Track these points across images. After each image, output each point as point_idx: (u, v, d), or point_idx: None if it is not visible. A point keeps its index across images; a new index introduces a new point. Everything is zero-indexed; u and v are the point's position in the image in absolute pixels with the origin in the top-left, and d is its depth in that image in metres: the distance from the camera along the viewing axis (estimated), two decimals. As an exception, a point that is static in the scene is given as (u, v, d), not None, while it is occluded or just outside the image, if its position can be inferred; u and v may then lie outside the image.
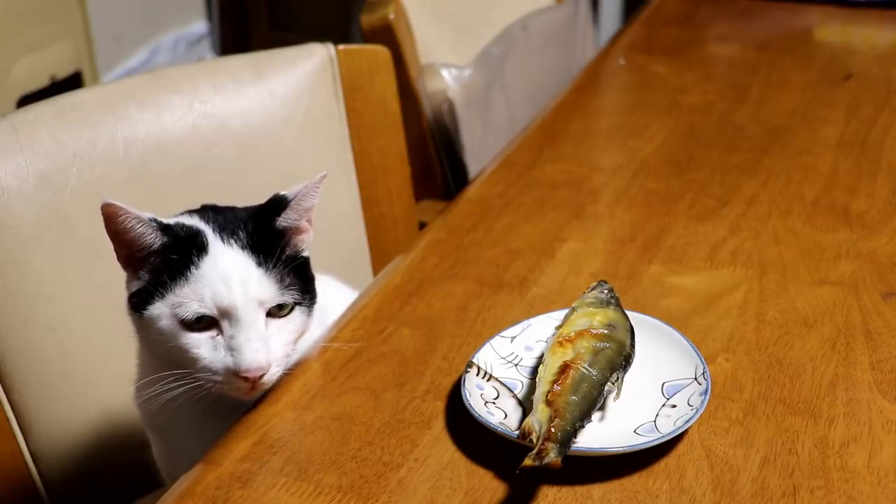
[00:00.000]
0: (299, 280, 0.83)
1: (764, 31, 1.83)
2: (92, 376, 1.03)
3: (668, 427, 0.75)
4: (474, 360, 0.84)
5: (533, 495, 0.72)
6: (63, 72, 2.55)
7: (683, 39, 1.79)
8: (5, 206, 0.96)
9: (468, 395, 0.79)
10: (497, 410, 0.79)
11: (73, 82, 2.58)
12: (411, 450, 0.77)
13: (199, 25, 3.39)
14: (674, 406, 0.78)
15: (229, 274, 0.79)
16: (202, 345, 0.79)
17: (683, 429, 0.75)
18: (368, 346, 0.90)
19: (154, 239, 0.80)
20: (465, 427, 0.78)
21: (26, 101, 2.28)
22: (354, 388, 0.85)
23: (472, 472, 0.74)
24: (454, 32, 1.68)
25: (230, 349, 0.79)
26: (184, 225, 0.82)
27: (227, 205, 0.87)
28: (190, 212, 0.86)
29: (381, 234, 1.30)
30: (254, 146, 1.15)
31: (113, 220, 0.79)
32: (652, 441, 0.74)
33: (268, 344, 0.80)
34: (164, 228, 0.80)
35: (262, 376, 0.79)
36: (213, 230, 0.82)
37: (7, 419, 0.98)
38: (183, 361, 0.80)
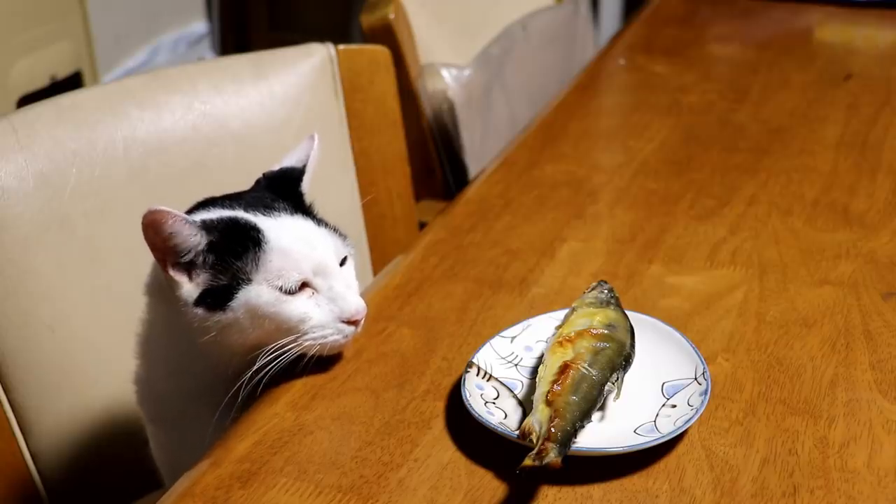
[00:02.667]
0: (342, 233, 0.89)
1: (764, 31, 1.83)
2: (92, 376, 1.03)
3: (668, 427, 0.75)
4: (474, 360, 0.84)
5: (533, 495, 0.72)
6: (63, 72, 2.55)
7: (683, 39, 1.79)
8: (5, 206, 0.96)
9: (468, 395, 0.79)
10: (497, 410, 0.79)
11: (73, 82, 2.58)
12: (411, 450, 0.77)
13: (199, 25, 3.39)
14: (674, 406, 0.78)
15: (305, 236, 0.84)
16: (307, 306, 0.82)
17: (683, 429, 0.75)
18: (368, 346, 0.90)
19: (199, 239, 0.80)
20: (465, 427, 0.78)
21: (26, 101, 2.28)
22: (354, 388, 0.85)
23: (472, 472, 0.74)
24: (454, 32, 1.68)
25: (332, 300, 0.83)
26: (219, 218, 0.83)
27: (224, 194, 0.88)
28: (202, 207, 0.86)
29: (381, 234, 1.30)
30: (254, 146, 1.15)
31: (160, 227, 0.78)
32: (652, 441, 0.74)
33: (356, 289, 0.86)
34: (208, 228, 0.81)
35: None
36: (251, 212, 0.84)
37: (7, 419, 0.98)
38: (287, 331, 0.81)
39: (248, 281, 0.80)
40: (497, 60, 1.68)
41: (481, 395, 0.80)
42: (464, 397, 0.79)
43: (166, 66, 1.20)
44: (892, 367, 0.85)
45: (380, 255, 1.28)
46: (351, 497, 0.72)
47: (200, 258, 0.81)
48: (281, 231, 0.83)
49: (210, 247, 0.80)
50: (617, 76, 1.68)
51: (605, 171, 1.27)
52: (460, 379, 0.82)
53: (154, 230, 0.78)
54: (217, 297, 0.80)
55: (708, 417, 0.79)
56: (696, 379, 0.80)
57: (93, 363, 1.03)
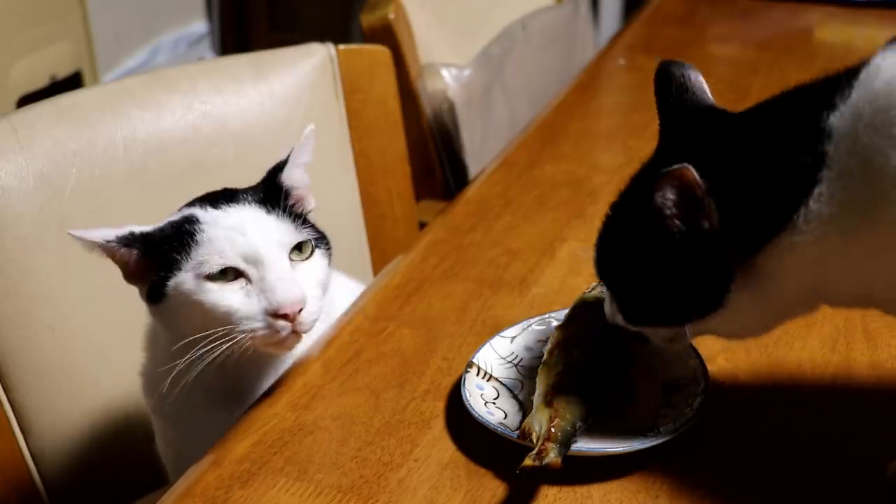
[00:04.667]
0: (314, 228, 0.86)
1: (764, 31, 1.83)
2: (92, 375, 1.03)
3: (668, 427, 0.75)
4: (474, 360, 0.84)
5: (533, 495, 0.72)
6: (63, 72, 2.55)
7: (683, 39, 1.79)
8: (5, 206, 0.96)
9: (468, 395, 0.79)
10: (497, 410, 0.79)
11: (73, 82, 2.58)
12: (411, 450, 0.77)
13: (199, 25, 3.39)
14: (673, 406, 0.78)
15: (242, 223, 0.81)
16: (234, 295, 0.79)
17: (683, 429, 0.75)
18: (368, 346, 0.90)
19: (126, 253, 0.81)
20: (465, 427, 0.78)
21: (26, 101, 2.28)
22: (354, 388, 0.85)
23: (472, 472, 0.74)
24: (454, 32, 1.68)
25: (263, 291, 0.79)
26: (171, 222, 0.83)
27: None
28: (187, 205, 0.86)
29: (381, 234, 1.30)
30: (254, 146, 1.15)
31: (86, 246, 0.81)
32: (652, 441, 0.74)
33: (297, 281, 0.80)
34: (129, 242, 0.81)
35: (300, 312, 0.79)
36: (209, 206, 0.83)
37: (7, 419, 0.98)
38: (217, 322, 0.79)
39: (179, 269, 0.80)
40: (497, 60, 1.68)
41: (481, 395, 0.80)
42: (464, 397, 0.79)
43: (166, 66, 1.20)
44: (893, 367, 0.85)
45: (380, 255, 1.28)
46: (351, 497, 0.72)
47: (145, 264, 0.82)
48: (219, 221, 0.81)
49: (143, 255, 0.81)
50: (617, 76, 1.68)
51: (605, 171, 1.27)
52: (460, 379, 0.82)
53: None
54: (155, 290, 0.81)
55: (708, 417, 0.78)
56: (695, 379, 0.80)
57: (93, 363, 1.03)
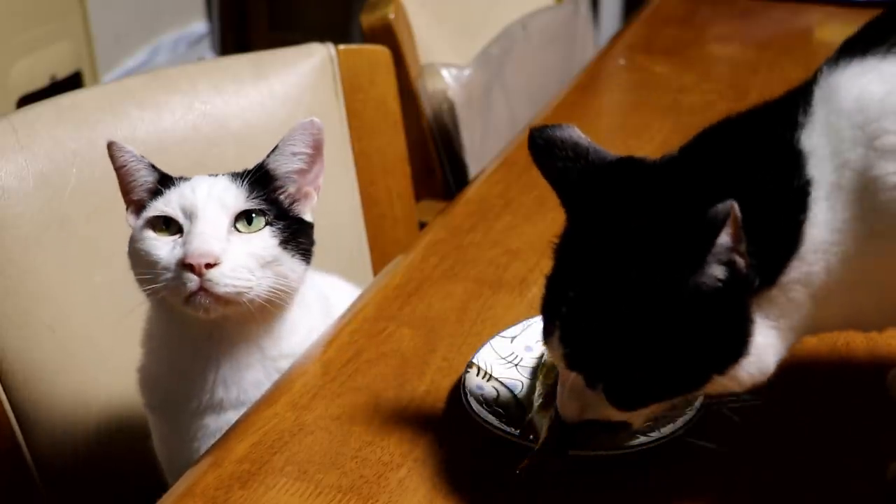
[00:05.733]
0: (278, 208, 0.85)
1: (764, 31, 1.82)
2: (92, 375, 1.03)
3: (667, 427, 0.75)
4: (474, 360, 0.84)
5: (533, 495, 0.72)
6: (63, 72, 2.55)
7: (683, 39, 1.78)
8: (5, 206, 0.96)
9: (468, 395, 0.79)
10: (497, 410, 0.79)
11: (73, 82, 2.58)
12: (411, 450, 0.77)
13: (199, 25, 3.39)
14: (673, 406, 0.78)
15: (198, 182, 0.84)
16: (163, 247, 0.81)
17: (683, 429, 0.75)
18: (368, 346, 0.90)
19: (148, 175, 0.85)
20: (465, 427, 0.78)
21: (26, 101, 2.28)
22: (354, 388, 0.85)
23: (472, 472, 0.74)
24: (454, 32, 1.68)
25: (183, 244, 0.80)
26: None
27: None
28: None
29: (381, 234, 1.30)
30: (254, 146, 1.14)
31: (115, 158, 0.85)
32: (652, 441, 0.73)
33: (224, 243, 0.80)
34: (153, 167, 0.86)
35: (209, 268, 0.78)
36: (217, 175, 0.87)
37: (7, 419, 0.98)
38: (148, 267, 0.81)
39: (139, 217, 0.85)
40: (497, 60, 1.68)
41: (481, 395, 0.80)
42: (464, 397, 0.79)
43: (166, 66, 1.20)
44: (893, 366, 0.85)
45: (380, 255, 1.28)
46: (351, 497, 0.72)
47: (147, 197, 0.85)
48: (192, 180, 0.85)
49: (154, 188, 0.85)
50: (617, 76, 1.68)
51: (605, 171, 1.27)
52: (460, 379, 0.82)
53: (112, 161, 0.85)
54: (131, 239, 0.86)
55: (707, 417, 0.78)
56: (696, 379, 0.80)
57: (93, 363, 1.03)
